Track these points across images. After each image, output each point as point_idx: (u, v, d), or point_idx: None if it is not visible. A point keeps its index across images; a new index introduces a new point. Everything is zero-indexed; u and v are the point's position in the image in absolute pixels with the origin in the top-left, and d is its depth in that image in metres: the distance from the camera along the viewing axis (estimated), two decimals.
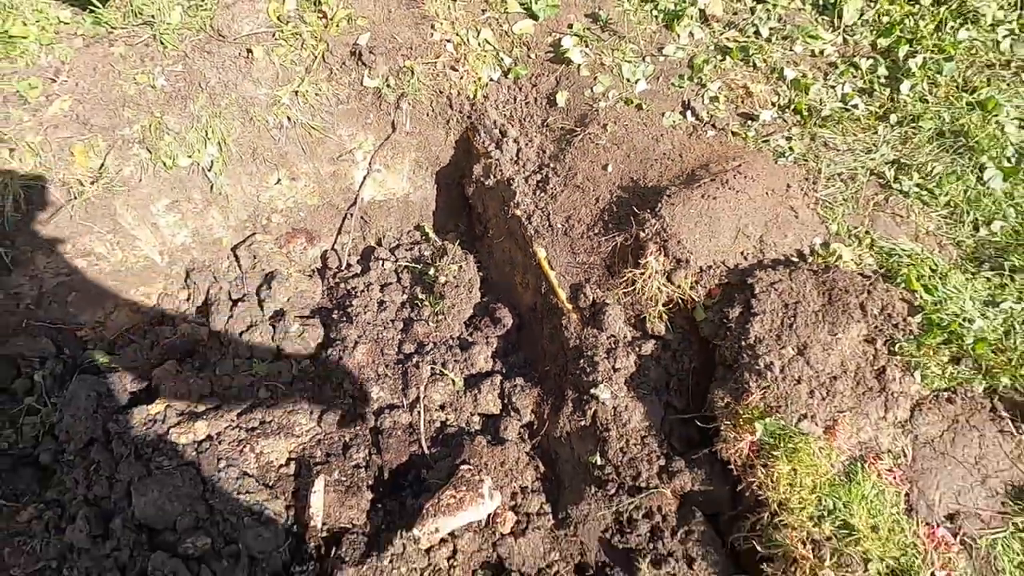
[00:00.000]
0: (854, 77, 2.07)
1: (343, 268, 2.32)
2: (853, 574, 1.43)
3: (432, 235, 2.38)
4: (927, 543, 1.48)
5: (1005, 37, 2.09)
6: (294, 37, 2.03)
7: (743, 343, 1.63)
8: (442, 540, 1.76)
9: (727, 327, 1.69)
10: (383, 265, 2.30)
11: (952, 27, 2.12)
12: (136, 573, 1.57)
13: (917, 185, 1.88)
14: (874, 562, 1.45)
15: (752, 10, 2.17)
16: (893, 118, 1.98)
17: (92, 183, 1.84)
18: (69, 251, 1.95)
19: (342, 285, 2.24)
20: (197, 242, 2.13)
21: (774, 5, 2.16)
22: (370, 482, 1.91)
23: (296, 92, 2.02)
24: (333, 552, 1.74)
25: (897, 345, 1.63)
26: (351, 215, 2.31)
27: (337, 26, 2.05)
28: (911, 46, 2.09)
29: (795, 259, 1.75)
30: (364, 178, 2.25)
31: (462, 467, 1.84)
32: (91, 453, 1.79)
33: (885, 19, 2.16)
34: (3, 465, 1.79)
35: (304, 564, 1.72)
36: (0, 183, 1.80)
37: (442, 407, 2.02)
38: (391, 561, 1.71)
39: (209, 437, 1.83)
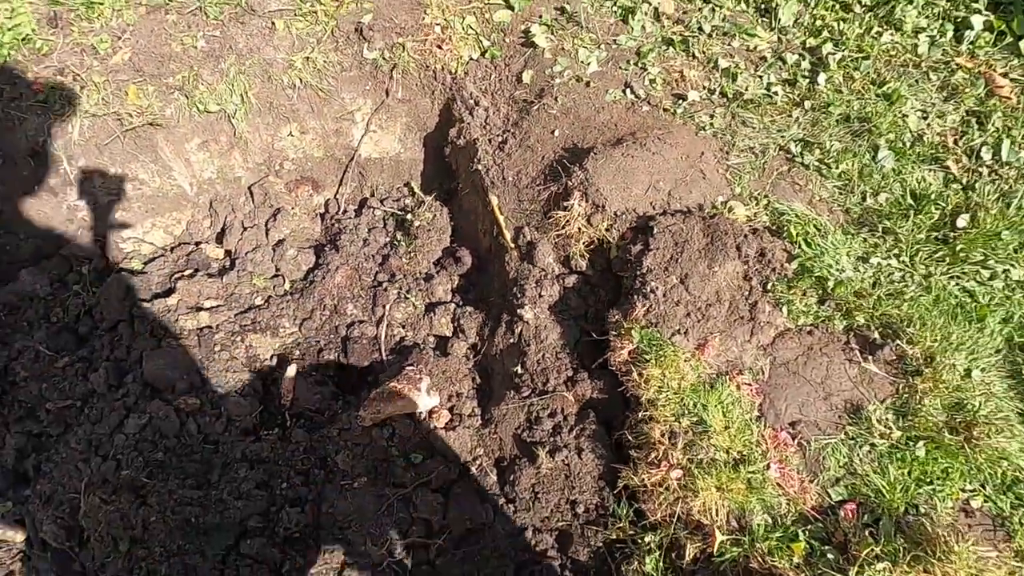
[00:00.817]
0: (780, 70, 2.37)
1: (340, 213, 2.75)
2: (697, 456, 1.73)
3: (417, 190, 2.78)
4: (769, 442, 1.76)
5: (923, 42, 2.36)
6: (310, 14, 2.48)
7: (638, 273, 1.96)
8: (384, 422, 2.13)
9: (630, 261, 2.02)
10: (373, 212, 2.71)
11: (877, 31, 2.40)
12: (137, 415, 2.00)
13: (817, 160, 2.17)
14: (720, 451, 1.74)
15: (700, 9, 2.51)
16: (807, 104, 2.27)
17: (139, 117, 2.32)
18: (119, 174, 2.44)
19: (335, 225, 2.66)
20: (220, 178, 2.60)
21: (720, 5, 2.49)
22: (335, 379, 2.31)
23: (307, 58, 2.46)
24: (293, 422, 2.13)
25: (770, 284, 1.92)
26: (350, 169, 2.74)
27: (346, 7, 2.49)
28: (835, 46, 2.38)
29: (695, 211, 2.07)
30: (362, 137, 2.68)
31: (408, 368, 2.22)
32: (118, 329, 2.25)
33: (818, 23, 2.46)
34: (51, 330, 2.27)
35: (270, 429, 2.12)
36: (71, 113, 2.31)
37: (403, 325, 2.40)
38: (338, 433, 2.09)
39: (209, 327, 2.26)
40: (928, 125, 2.20)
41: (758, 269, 1.94)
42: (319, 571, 1.86)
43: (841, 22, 2.44)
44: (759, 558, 1.62)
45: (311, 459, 2.06)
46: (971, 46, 2.33)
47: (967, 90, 2.23)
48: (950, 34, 2.36)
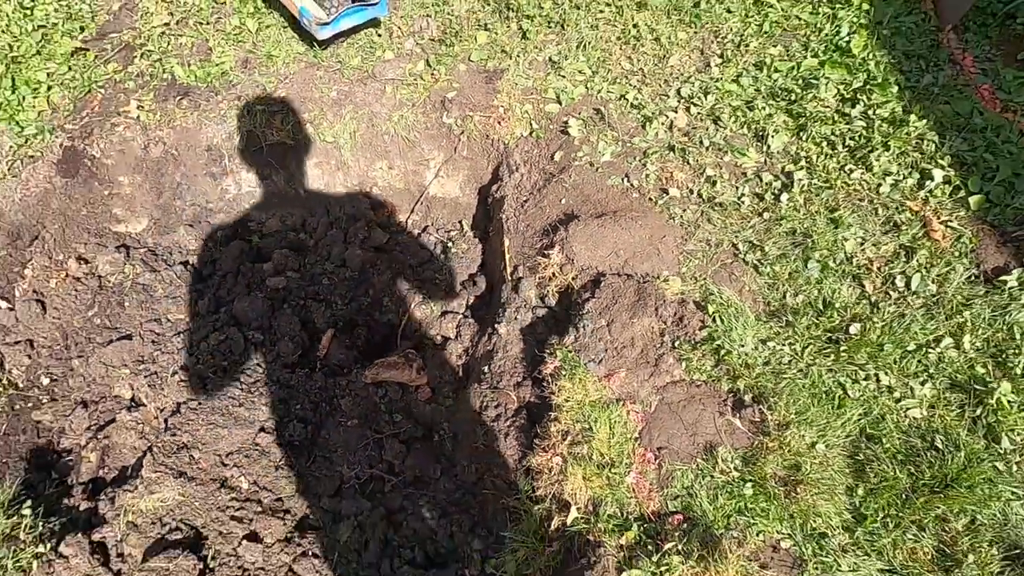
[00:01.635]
0: (755, 185, 2.90)
1: (405, 232, 3.57)
2: (578, 452, 2.26)
3: (466, 227, 3.55)
4: (636, 457, 2.26)
5: (887, 184, 2.79)
6: (412, 85, 3.37)
7: (581, 312, 2.55)
8: (381, 383, 2.85)
9: (579, 303, 2.62)
10: (429, 236, 3.51)
11: (850, 168, 2.86)
12: (219, 333, 2.88)
13: (757, 259, 2.66)
14: (596, 453, 2.27)
15: (707, 127, 3.11)
16: (766, 215, 2.78)
17: (277, 136, 3.30)
18: (259, 173, 3.42)
19: (397, 239, 3.48)
20: (326, 190, 3.51)
21: (723, 126, 3.08)
22: (360, 347, 3.07)
23: (402, 116, 3.34)
24: (320, 368, 2.91)
25: (678, 343, 2.44)
26: (420, 201, 3.57)
27: (439, 84, 3.36)
28: (807, 174, 2.87)
29: (637, 277, 2.64)
30: (432, 180, 3.50)
31: (410, 351, 2.93)
32: (227, 277, 3.17)
33: (802, 153, 2.96)
34: (186, 267, 3.26)
35: (303, 368, 2.90)
36: (237, 126, 3.32)
37: (420, 322, 3.14)
38: (347, 383, 2.83)
39: (285, 288, 3.12)
40: (863, 250, 2.63)
41: (673, 330, 2.47)
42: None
43: (822, 156, 2.93)
44: (597, 534, 2.13)
45: (323, 396, 2.82)
46: (928, 194, 2.73)
47: (906, 228, 2.64)
48: (912, 181, 2.78)
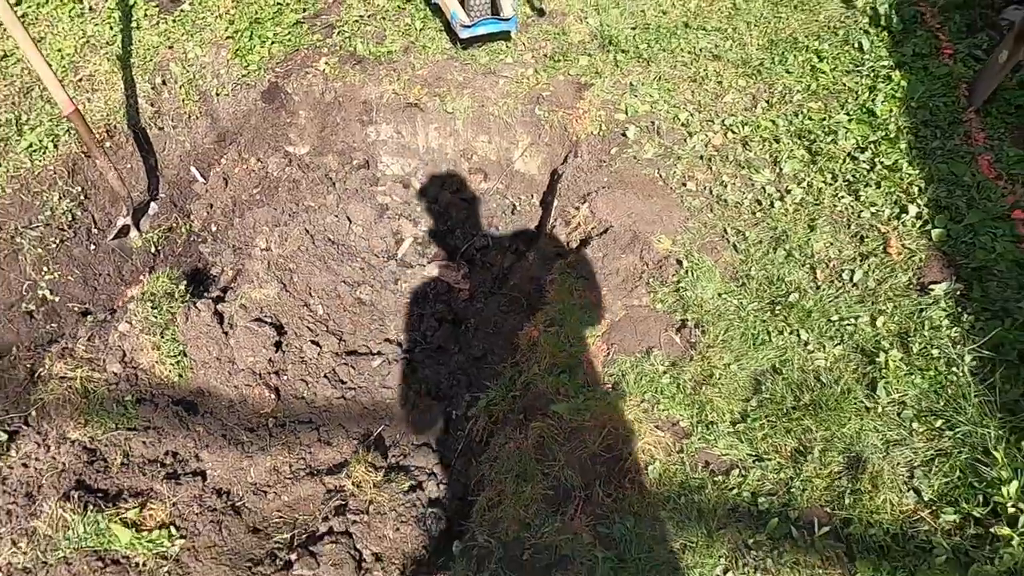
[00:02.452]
0: (758, 194, 3.57)
1: (488, 192, 4.53)
2: (552, 332, 3.01)
3: (535, 198, 4.45)
4: (595, 345, 2.97)
5: (866, 216, 3.36)
6: (521, 82, 4.39)
7: (586, 247, 3.34)
8: (435, 279, 3.77)
9: (587, 242, 3.40)
10: (506, 200, 4.45)
11: (841, 196, 3.46)
12: (334, 219, 3.96)
13: (737, 242, 3.32)
14: (564, 336, 3.00)
15: (735, 147, 3.83)
16: (758, 215, 3.44)
17: (412, 99, 4.43)
18: (394, 128, 4.55)
19: (482, 197, 4.45)
20: (438, 149, 4.58)
21: (749, 149, 3.79)
22: (429, 257, 4.02)
23: (506, 103, 4.36)
24: (399, 261, 3.89)
25: (651, 281, 3.14)
26: (506, 173, 4.53)
27: (539, 85, 4.36)
28: (804, 193, 3.50)
29: (640, 232, 3.38)
30: (518, 157, 4.46)
31: (462, 262, 3.84)
32: (349, 190, 4.29)
33: (806, 180, 3.60)
34: (319, 179, 4.42)
35: (387, 259, 3.89)
36: (384, 89, 4.49)
37: (477, 249, 4.04)
38: (412, 274, 3.78)
39: (387, 205, 4.17)
40: (826, 250, 3.21)
41: (651, 271, 3.19)
42: None
43: (821, 182, 3.55)
44: (548, 385, 2.86)
45: (391, 277, 3.78)
46: (899, 222, 3.27)
47: (869, 242, 3.20)
48: (889, 211, 3.33)
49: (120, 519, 2.60)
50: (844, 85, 4.07)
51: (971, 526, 2.21)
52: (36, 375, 3.18)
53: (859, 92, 4.00)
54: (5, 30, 3.97)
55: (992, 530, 2.15)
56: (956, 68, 3.97)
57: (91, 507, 2.62)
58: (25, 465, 2.85)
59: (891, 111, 3.81)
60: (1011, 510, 2.17)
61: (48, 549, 2.55)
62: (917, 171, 3.45)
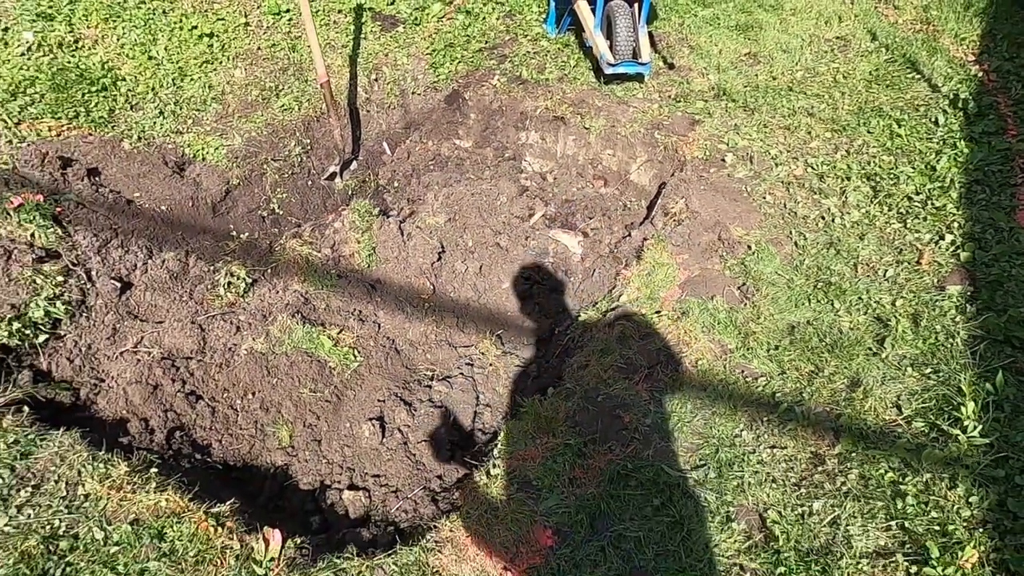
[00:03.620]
0: (823, 212, 4.46)
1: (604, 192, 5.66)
2: (643, 272, 4.01)
3: (643, 203, 5.53)
4: (672, 290, 3.94)
5: (911, 236, 4.18)
6: (644, 112, 5.55)
7: (676, 224, 4.36)
8: (555, 241, 4.88)
9: (680, 222, 4.42)
10: (619, 201, 5.55)
11: (891, 222, 4.31)
12: (490, 185, 5.20)
13: (797, 240, 4.22)
14: (653, 281, 4.00)
15: (812, 180, 4.76)
16: (819, 225, 4.33)
17: (554, 113, 5.68)
18: (538, 135, 5.81)
19: (602, 197, 5.58)
20: (572, 156, 5.77)
21: (824, 182, 4.71)
22: (550, 224, 5.16)
23: (631, 126, 5.52)
24: (530, 227, 5.05)
25: (726, 254, 4.10)
26: (623, 180, 5.65)
27: (660, 115, 5.50)
28: (861, 216, 4.36)
29: (720, 222, 4.37)
30: (635, 169, 5.58)
31: (582, 231, 4.94)
32: (496, 175, 5.54)
33: (865, 207, 4.46)
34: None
35: (525, 225, 5.07)
36: (532, 107, 5.77)
37: (584, 232, 5.14)
38: (526, 237, 4.92)
39: (528, 188, 5.38)
40: (868, 256, 4.05)
41: (725, 248, 4.15)
42: None
43: (877, 211, 4.40)
44: (637, 307, 3.86)
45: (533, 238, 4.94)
46: (935, 245, 4.07)
47: (905, 253, 4.02)
48: (928, 236, 4.12)
49: (325, 334, 3.81)
50: (915, 147, 4.94)
51: (934, 432, 2.98)
52: (272, 248, 4.53)
53: (927, 153, 4.85)
54: (291, 23, 5.62)
55: (946, 430, 2.93)
56: (1016, 146, 4.76)
57: (307, 323, 3.85)
58: (261, 300, 4.14)
59: (950, 169, 4.63)
60: (966, 422, 2.93)
61: (276, 345, 3.79)
62: (961, 213, 4.26)
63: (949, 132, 5.00)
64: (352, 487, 3.29)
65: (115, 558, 2.71)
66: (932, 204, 4.36)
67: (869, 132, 5.14)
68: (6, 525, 2.78)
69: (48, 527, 2.78)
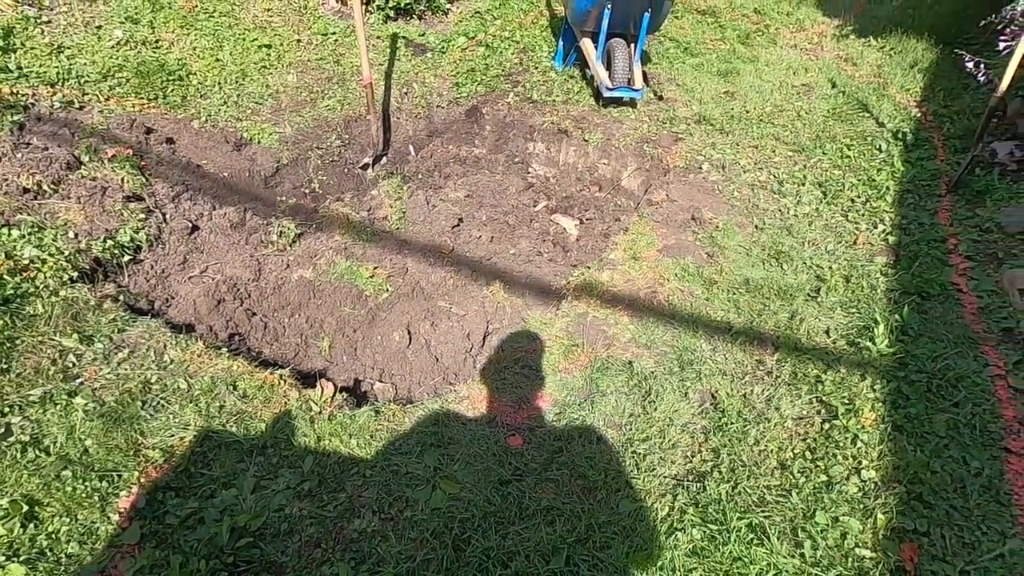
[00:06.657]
0: (780, 206, 5.35)
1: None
2: (628, 240, 4.83)
3: (632, 205, 6.43)
4: (651, 252, 4.75)
5: (850, 221, 5.07)
6: (635, 129, 6.53)
7: (655, 206, 5.22)
8: (557, 223, 5.73)
9: (660, 205, 5.28)
10: (611, 202, 6.45)
11: (837, 217, 5.20)
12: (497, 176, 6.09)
13: (756, 224, 5.08)
14: (636, 246, 4.82)
15: (773, 184, 5.68)
16: (776, 215, 5.21)
17: (563, 127, 6.65)
18: (546, 144, 6.76)
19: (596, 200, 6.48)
20: (572, 167, 6.71)
21: (782, 185, 5.63)
22: (552, 211, 6.03)
23: (623, 139, 6.48)
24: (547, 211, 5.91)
25: (698, 229, 4.94)
26: (613, 185, 6.57)
27: (648, 133, 6.47)
28: (810, 211, 5.25)
29: (696, 208, 5.24)
30: (626, 176, 6.50)
31: (579, 217, 5.80)
32: (508, 170, 6.45)
33: (815, 203, 5.36)
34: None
35: (529, 211, 5.93)
36: (560, 120, 6.75)
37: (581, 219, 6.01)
38: (534, 219, 5.78)
39: (541, 177, 6.27)
40: (815, 237, 4.91)
41: (696, 225, 5.02)
42: None
43: (826, 208, 5.29)
44: (617, 262, 4.68)
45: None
46: (868, 232, 4.93)
47: (845, 236, 4.88)
48: (865, 225, 5.00)
49: (363, 267, 4.58)
50: (861, 165, 5.89)
51: (853, 349, 3.76)
52: (318, 209, 5.35)
53: (869, 169, 5.80)
54: (336, 42, 6.64)
55: (863, 344, 3.71)
56: (944, 167, 5.72)
57: (348, 259, 4.63)
58: (307, 246, 4.93)
59: (888, 181, 5.57)
60: (878, 339, 3.71)
61: (322, 274, 4.56)
62: (893, 212, 5.16)
63: (889, 156, 5.96)
64: (381, 381, 4.00)
65: (198, 398, 3.40)
66: (871, 204, 5.26)
67: (824, 153, 6.10)
68: (110, 373, 3.48)
69: (142, 377, 3.47)
